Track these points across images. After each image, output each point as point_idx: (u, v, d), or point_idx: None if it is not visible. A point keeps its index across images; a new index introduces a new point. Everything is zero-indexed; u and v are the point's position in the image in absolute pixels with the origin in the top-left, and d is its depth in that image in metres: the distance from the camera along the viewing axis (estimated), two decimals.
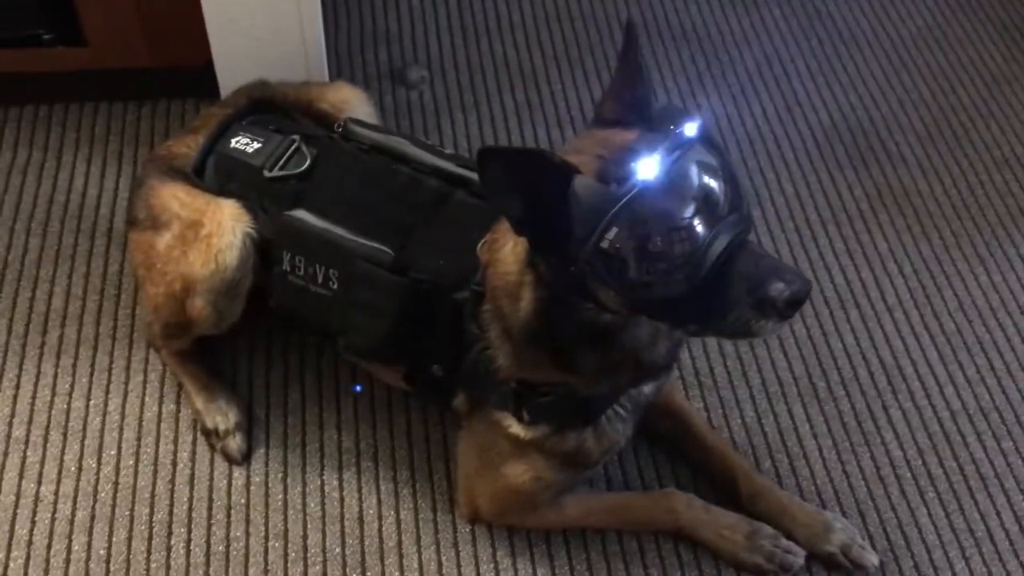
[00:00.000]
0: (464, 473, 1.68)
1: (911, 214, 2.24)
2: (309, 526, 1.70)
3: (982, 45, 2.65)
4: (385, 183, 1.59)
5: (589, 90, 2.44)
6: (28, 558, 1.66)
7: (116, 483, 1.74)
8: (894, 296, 2.08)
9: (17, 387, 1.85)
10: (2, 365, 1.87)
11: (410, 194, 1.57)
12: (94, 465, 1.76)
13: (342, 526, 1.70)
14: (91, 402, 1.83)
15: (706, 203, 1.20)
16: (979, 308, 2.07)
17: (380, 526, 1.70)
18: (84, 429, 1.80)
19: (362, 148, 1.63)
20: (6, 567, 1.64)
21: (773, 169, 2.31)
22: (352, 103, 1.84)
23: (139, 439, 1.79)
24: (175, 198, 1.66)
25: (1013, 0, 2.77)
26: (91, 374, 1.86)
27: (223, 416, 1.77)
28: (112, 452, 1.77)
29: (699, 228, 1.19)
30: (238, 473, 1.76)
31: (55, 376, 1.86)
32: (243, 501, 1.73)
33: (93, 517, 1.70)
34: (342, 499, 1.73)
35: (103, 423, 1.80)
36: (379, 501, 1.73)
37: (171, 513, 1.71)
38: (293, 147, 1.65)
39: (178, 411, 1.82)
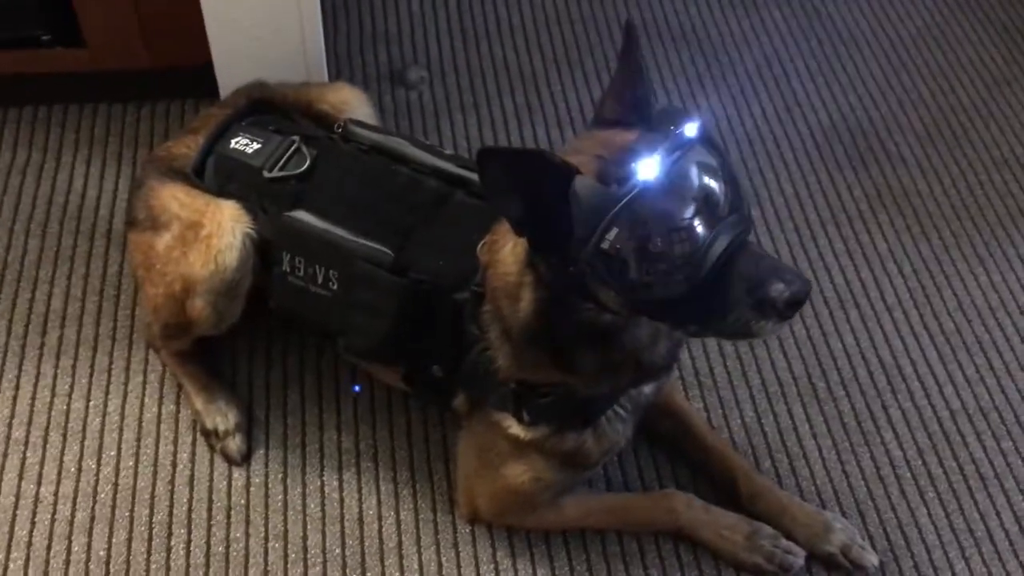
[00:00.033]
0: (464, 473, 1.68)
1: (911, 214, 2.24)
2: (309, 527, 1.70)
3: (982, 45, 2.65)
4: (385, 184, 1.59)
5: (589, 92, 2.44)
6: (28, 559, 1.65)
7: (116, 484, 1.74)
8: (894, 296, 2.08)
9: (17, 388, 1.84)
10: (2, 366, 1.87)
11: (410, 195, 1.57)
12: (94, 466, 1.76)
13: (342, 527, 1.70)
14: (91, 403, 1.83)
15: (706, 204, 1.20)
16: (979, 308, 2.07)
17: (380, 527, 1.70)
18: (84, 430, 1.80)
19: (362, 149, 1.63)
20: (6, 568, 1.64)
21: (773, 169, 2.31)
22: (352, 104, 1.84)
23: (139, 440, 1.79)
24: (175, 199, 1.66)
25: (1013, 0, 2.77)
26: (91, 375, 1.86)
27: (223, 417, 1.77)
28: (112, 453, 1.77)
29: (699, 229, 1.19)
30: (238, 474, 1.75)
31: (55, 377, 1.86)
32: (243, 502, 1.72)
33: (93, 518, 1.70)
34: (342, 500, 1.73)
35: (103, 424, 1.80)
36: (379, 502, 1.73)
37: (171, 514, 1.71)
38: (293, 148, 1.65)
39: (178, 412, 1.82)
